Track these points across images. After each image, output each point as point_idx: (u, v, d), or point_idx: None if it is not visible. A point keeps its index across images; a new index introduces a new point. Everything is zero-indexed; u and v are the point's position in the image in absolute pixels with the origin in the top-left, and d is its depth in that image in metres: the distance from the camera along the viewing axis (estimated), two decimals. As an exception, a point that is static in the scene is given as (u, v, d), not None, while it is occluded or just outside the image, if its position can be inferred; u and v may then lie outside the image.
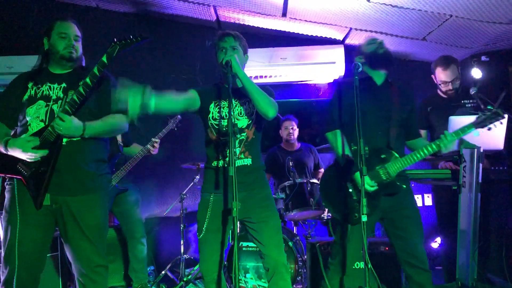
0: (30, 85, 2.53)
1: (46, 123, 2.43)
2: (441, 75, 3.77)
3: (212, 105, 2.69)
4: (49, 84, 2.53)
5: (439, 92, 3.89)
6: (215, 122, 2.67)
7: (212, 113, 2.68)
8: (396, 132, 2.73)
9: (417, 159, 2.63)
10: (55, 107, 2.46)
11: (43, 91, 2.51)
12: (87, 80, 2.32)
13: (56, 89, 2.52)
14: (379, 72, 2.81)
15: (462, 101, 3.76)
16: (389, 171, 2.64)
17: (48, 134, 2.38)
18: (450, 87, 3.75)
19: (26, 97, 2.51)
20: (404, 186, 2.68)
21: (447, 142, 2.60)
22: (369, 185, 2.61)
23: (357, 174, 2.62)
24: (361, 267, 3.63)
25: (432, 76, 3.89)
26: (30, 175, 2.41)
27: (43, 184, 2.38)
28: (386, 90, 2.80)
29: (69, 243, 2.49)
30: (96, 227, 2.50)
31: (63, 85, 2.52)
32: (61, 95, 2.49)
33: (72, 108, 2.37)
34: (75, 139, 2.46)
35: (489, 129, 2.61)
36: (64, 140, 2.43)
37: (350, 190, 2.70)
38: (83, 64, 2.72)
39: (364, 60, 2.83)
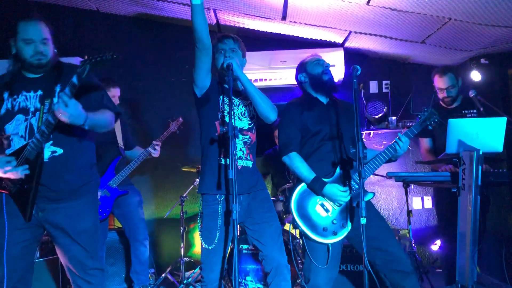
0: (6, 95, 2.44)
1: (26, 139, 2.38)
2: (438, 82, 3.88)
3: (221, 97, 2.69)
4: (25, 94, 2.44)
5: (440, 102, 3.93)
6: (220, 115, 2.66)
7: (221, 105, 2.67)
8: (350, 147, 2.80)
9: (380, 164, 2.73)
10: (33, 120, 2.40)
11: (19, 102, 2.43)
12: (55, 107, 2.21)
13: (33, 98, 2.43)
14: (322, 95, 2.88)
15: (463, 111, 3.80)
16: (356, 180, 2.67)
17: (28, 152, 2.33)
18: (444, 94, 3.83)
19: (3, 111, 2.43)
20: (374, 193, 2.70)
21: (402, 143, 2.69)
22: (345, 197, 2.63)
23: (328, 187, 2.62)
24: (343, 269, 3.67)
25: (433, 84, 3.96)
26: (16, 191, 2.39)
27: (28, 200, 2.34)
28: (333, 108, 2.84)
29: (60, 248, 2.49)
30: (85, 233, 2.47)
31: (39, 93, 2.44)
32: (38, 105, 2.42)
33: (48, 128, 2.28)
34: (57, 154, 2.40)
35: (431, 128, 2.83)
36: (46, 156, 2.37)
37: (325, 207, 2.69)
38: (60, 60, 2.57)
39: (306, 80, 2.90)
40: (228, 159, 2.53)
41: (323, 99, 2.88)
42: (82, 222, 2.47)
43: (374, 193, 2.69)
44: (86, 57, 2.18)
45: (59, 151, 2.42)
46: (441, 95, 3.86)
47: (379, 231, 2.68)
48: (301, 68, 2.96)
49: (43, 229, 2.49)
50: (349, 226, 2.64)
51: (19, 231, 2.39)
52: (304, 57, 3.00)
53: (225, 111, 2.64)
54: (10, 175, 2.33)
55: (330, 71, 2.82)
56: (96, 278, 2.49)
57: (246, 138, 2.67)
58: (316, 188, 2.65)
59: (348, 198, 2.62)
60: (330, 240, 2.64)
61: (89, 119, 2.29)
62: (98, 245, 2.58)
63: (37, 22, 2.44)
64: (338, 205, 2.66)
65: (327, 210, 2.67)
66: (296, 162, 2.72)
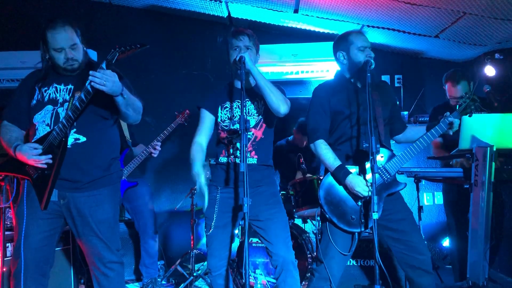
0: (37, 87, 2.52)
1: (51, 127, 2.44)
2: (451, 90, 3.78)
3: (219, 109, 2.77)
4: (56, 86, 2.51)
5: (450, 100, 3.87)
6: (224, 124, 2.74)
7: (220, 116, 2.76)
8: (384, 130, 2.70)
9: (414, 154, 2.62)
10: (60, 110, 2.46)
11: (49, 94, 2.50)
12: (88, 87, 2.26)
13: (63, 91, 2.50)
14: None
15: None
16: (388, 170, 2.61)
17: (53, 137, 2.39)
18: (457, 102, 3.69)
19: (34, 101, 2.51)
20: (405, 183, 2.63)
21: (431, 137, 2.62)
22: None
23: (351, 177, 2.56)
24: (354, 264, 3.67)
25: (444, 87, 3.87)
26: (37, 177, 2.43)
27: (47, 187, 2.38)
28: (367, 91, 2.63)
29: (80, 238, 2.51)
30: (105, 223, 2.50)
31: (70, 86, 2.51)
32: (67, 97, 2.48)
33: (74, 114, 2.34)
34: (80, 141, 2.44)
35: (470, 115, 2.66)
36: (69, 143, 2.42)
37: (354, 196, 2.61)
38: (94, 59, 2.70)
39: (345, 63, 2.74)
40: (225, 159, 2.71)
41: (359, 84, 2.74)
42: (102, 212, 2.50)
43: (405, 184, 2.63)
44: (116, 46, 2.22)
45: (82, 139, 2.46)
46: (453, 102, 3.72)
47: (405, 224, 2.61)
48: (343, 45, 2.74)
49: (63, 220, 2.52)
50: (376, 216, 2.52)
51: (39, 221, 2.42)
52: (349, 31, 2.77)
53: (223, 123, 2.75)
54: (33, 162, 2.38)
55: (373, 62, 2.57)
56: (114, 272, 2.53)
57: (249, 135, 2.66)
58: (340, 176, 2.59)
59: (366, 193, 2.51)
60: (357, 230, 2.60)
61: (125, 93, 2.34)
62: (117, 239, 2.60)
63: (63, 28, 2.44)
64: (364, 195, 2.56)
65: (356, 199, 2.61)
66: (321, 150, 2.66)
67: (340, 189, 2.65)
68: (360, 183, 2.52)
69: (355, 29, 2.81)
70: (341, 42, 2.76)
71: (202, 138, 2.76)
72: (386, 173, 2.60)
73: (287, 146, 4.87)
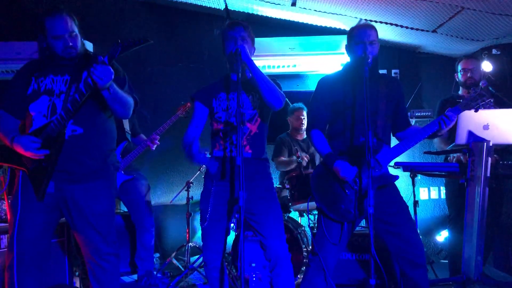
0: (33, 77, 2.51)
1: (49, 118, 2.42)
2: (462, 63, 3.81)
3: (213, 100, 2.74)
4: (52, 77, 2.49)
5: (460, 92, 3.87)
6: (218, 115, 2.71)
7: (215, 108, 2.73)
8: (383, 125, 2.70)
9: (407, 148, 2.62)
10: (57, 101, 2.45)
11: (46, 84, 2.48)
12: (89, 80, 2.28)
13: (59, 81, 2.48)
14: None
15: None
16: (380, 161, 2.59)
17: (51, 129, 2.38)
18: (468, 74, 3.74)
19: (29, 91, 2.49)
20: (398, 176, 2.64)
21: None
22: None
23: (337, 163, 2.58)
24: (349, 258, 3.68)
25: (455, 74, 3.89)
26: (33, 169, 2.42)
27: (44, 179, 2.38)
28: (373, 83, 2.62)
29: (76, 231, 2.51)
30: (102, 215, 2.50)
31: (66, 77, 2.49)
32: (63, 89, 2.47)
33: (73, 106, 2.34)
34: (76, 133, 2.43)
35: (476, 110, 2.60)
36: (66, 134, 2.41)
37: (345, 186, 2.62)
38: (90, 50, 2.68)
39: (349, 56, 2.78)
40: (222, 152, 2.67)
41: (360, 77, 2.64)
42: (99, 205, 2.49)
43: (397, 176, 2.65)
44: (119, 41, 2.22)
45: (79, 130, 2.45)
46: (464, 76, 3.77)
47: (399, 217, 2.62)
48: (348, 37, 2.80)
49: (59, 213, 2.51)
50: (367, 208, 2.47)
51: (34, 214, 2.41)
52: (356, 24, 2.79)
53: (217, 114, 2.71)
54: (31, 155, 2.37)
55: (369, 56, 2.56)
56: (110, 264, 2.53)
57: (244, 129, 2.65)
58: (329, 162, 2.63)
59: (351, 178, 2.56)
60: (347, 220, 2.62)
61: (113, 86, 2.36)
62: (113, 231, 2.59)
63: (62, 16, 2.45)
64: (355, 185, 2.59)
65: (347, 190, 2.62)
66: (315, 139, 2.74)
67: (330, 177, 2.66)
68: (346, 168, 2.55)
69: (363, 22, 2.78)
70: (347, 36, 2.82)
71: (195, 131, 2.74)
72: (377, 165, 2.60)
73: (288, 138, 4.83)
